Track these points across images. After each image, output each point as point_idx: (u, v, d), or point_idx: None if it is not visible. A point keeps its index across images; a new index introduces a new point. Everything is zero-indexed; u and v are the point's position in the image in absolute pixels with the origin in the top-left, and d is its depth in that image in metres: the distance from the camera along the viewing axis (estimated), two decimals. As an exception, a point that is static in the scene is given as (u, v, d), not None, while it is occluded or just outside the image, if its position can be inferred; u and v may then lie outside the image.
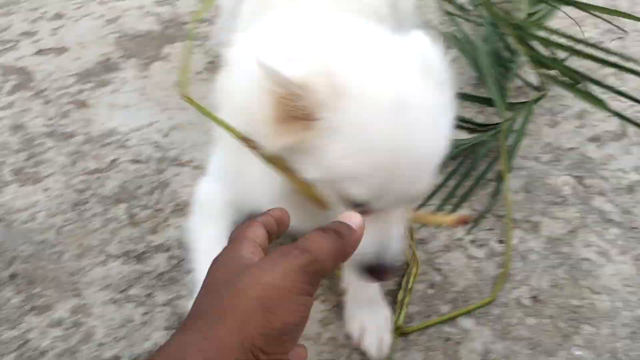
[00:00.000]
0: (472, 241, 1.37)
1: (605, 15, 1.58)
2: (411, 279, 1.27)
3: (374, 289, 1.22)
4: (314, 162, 0.80)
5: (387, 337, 1.17)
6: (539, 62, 1.59)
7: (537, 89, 1.66)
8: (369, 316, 1.18)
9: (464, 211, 1.43)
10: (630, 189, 1.48)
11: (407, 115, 0.75)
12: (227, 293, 0.56)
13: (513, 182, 1.50)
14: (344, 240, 0.63)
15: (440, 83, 0.81)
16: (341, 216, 0.66)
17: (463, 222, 1.08)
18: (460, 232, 1.38)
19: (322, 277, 0.60)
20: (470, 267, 1.32)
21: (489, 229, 1.40)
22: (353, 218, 0.66)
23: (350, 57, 0.79)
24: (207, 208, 1.16)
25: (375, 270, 0.88)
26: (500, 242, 1.37)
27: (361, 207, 0.80)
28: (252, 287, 0.55)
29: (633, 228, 1.40)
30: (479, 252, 1.36)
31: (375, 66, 0.79)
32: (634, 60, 1.48)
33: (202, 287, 0.60)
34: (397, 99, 0.75)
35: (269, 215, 0.69)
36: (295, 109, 0.76)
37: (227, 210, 1.13)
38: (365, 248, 0.82)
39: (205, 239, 1.13)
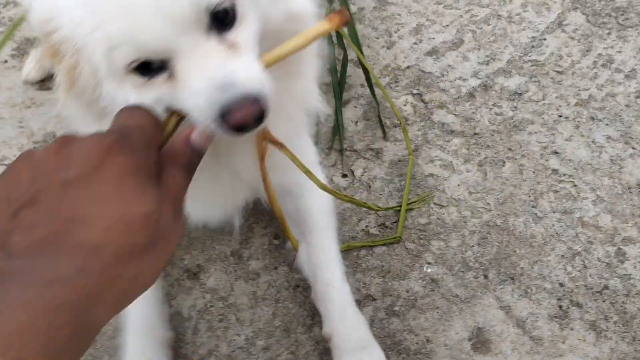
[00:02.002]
0: (316, 181, 1.31)
1: None
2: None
3: (361, 329, 1.02)
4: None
5: None
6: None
7: None
8: None
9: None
10: (470, 95, 1.46)
11: None
12: None
13: (353, 112, 1.44)
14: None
15: None
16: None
17: (342, 21, 0.77)
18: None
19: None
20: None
21: (332, 165, 1.34)
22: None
23: None
24: None
25: (228, 113, 0.65)
26: (344, 176, 1.31)
27: (154, 71, 0.68)
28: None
29: (475, 134, 1.37)
30: (324, 191, 1.30)
31: None
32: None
33: None
34: None
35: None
36: None
37: None
38: (200, 97, 0.66)
39: None
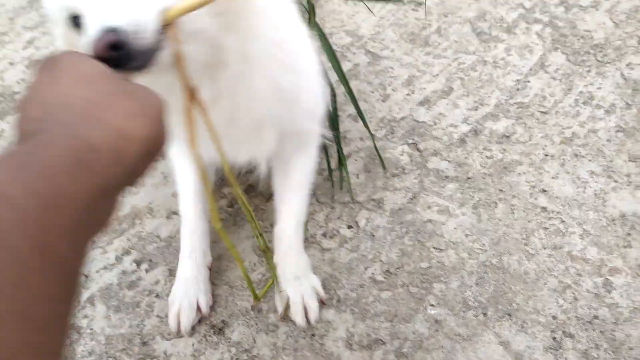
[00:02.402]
0: (324, 234, 1.43)
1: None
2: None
3: (299, 266, 1.31)
4: None
5: (314, 305, 1.27)
6: None
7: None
8: (295, 289, 1.28)
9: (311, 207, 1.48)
10: (461, 141, 1.57)
11: None
12: None
13: (354, 165, 1.56)
14: None
15: None
16: None
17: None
18: (312, 228, 1.44)
19: None
20: (325, 259, 1.38)
21: (338, 218, 1.46)
22: None
23: None
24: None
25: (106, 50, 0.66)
26: (349, 227, 1.43)
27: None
28: None
29: (468, 178, 1.49)
30: (332, 243, 1.42)
31: None
32: None
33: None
34: None
35: None
36: None
37: None
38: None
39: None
